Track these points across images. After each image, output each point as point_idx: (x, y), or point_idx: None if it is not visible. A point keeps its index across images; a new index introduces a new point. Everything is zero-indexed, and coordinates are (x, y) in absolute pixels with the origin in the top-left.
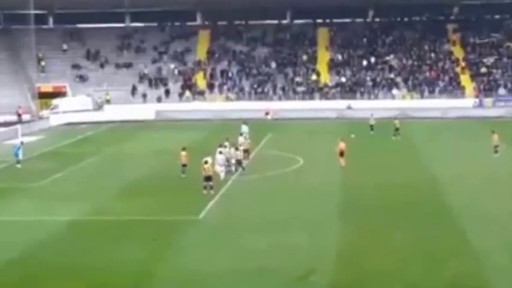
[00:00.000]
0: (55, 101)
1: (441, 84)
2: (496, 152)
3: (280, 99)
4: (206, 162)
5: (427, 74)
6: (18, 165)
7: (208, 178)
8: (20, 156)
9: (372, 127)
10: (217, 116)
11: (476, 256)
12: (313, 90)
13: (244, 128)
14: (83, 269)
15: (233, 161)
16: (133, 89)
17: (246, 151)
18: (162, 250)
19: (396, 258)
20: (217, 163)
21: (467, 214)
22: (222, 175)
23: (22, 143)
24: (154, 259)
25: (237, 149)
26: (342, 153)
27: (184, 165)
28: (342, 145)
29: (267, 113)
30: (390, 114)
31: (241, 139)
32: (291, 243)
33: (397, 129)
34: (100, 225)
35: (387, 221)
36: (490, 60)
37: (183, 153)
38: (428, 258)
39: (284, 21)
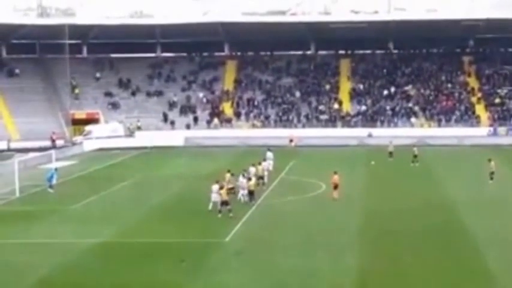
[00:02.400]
0: (88, 127)
1: (457, 113)
2: (491, 178)
3: (303, 126)
4: (222, 188)
5: (444, 103)
6: (51, 190)
7: (224, 203)
8: (54, 181)
9: (391, 154)
10: (243, 143)
11: (492, 277)
12: (336, 119)
13: (269, 155)
14: None
15: (245, 191)
16: (165, 116)
17: (261, 178)
18: (190, 271)
19: (414, 280)
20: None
21: (483, 237)
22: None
23: (56, 169)
24: (182, 280)
25: (249, 179)
26: (336, 186)
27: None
28: (336, 178)
29: (291, 140)
30: (409, 142)
31: (264, 164)
32: (314, 265)
33: (415, 156)
34: (130, 248)
35: (406, 244)
36: (503, 91)
37: (228, 175)
38: (445, 279)
39: (308, 52)
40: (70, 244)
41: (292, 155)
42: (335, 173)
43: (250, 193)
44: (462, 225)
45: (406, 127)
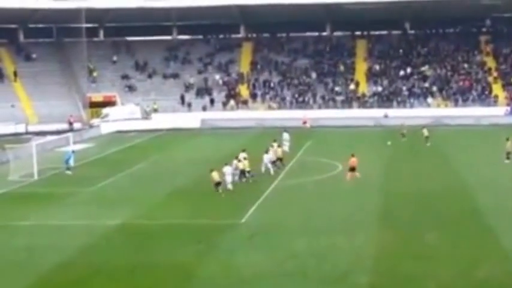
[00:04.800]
0: (105, 110)
1: (474, 93)
2: (508, 158)
3: (319, 108)
4: (212, 171)
5: (461, 83)
6: (69, 172)
7: (217, 184)
8: (72, 164)
9: (403, 135)
10: (259, 124)
11: (507, 257)
12: (352, 99)
13: (286, 136)
14: (130, 271)
15: (236, 172)
16: (182, 98)
17: (280, 159)
18: (205, 253)
19: (430, 261)
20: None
21: (498, 217)
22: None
23: (73, 151)
24: (197, 261)
25: (239, 160)
26: (353, 169)
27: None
28: (354, 160)
29: (304, 122)
30: (426, 122)
31: (272, 149)
32: (330, 246)
33: (426, 137)
34: (147, 229)
35: (422, 225)
36: None
37: (243, 154)
38: (461, 260)
39: (324, 34)
40: (88, 226)
41: (308, 136)
42: (352, 155)
43: (242, 172)
44: (477, 205)
45: (422, 107)
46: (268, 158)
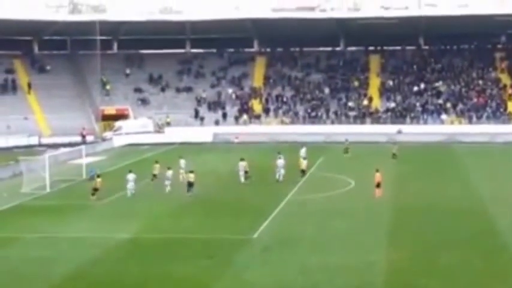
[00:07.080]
0: (118, 123)
1: (489, 110)
2: None
3: (332, 123)
4: (98, 176)
5: (475, 100)
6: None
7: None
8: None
9: (346, 150)
10: (272, 139)
11: None
12: (365, 115)
13: (303, 151)
14: (140, 285)
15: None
16: (196, 112)
17: (303, 171)
18: (217, 268)
19: (443, 277)
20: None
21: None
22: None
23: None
24: (210, 276)
25: (191, 172)
26: (378, 185)
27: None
28: (379, 176)
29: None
30: (439, 139)
31: (280, 162)
32: (342, 261)
33: (346, 151)
34: (158, 243)
35: (434, 241)
36: None
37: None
38: (475, 277)
39: (337, 48)
40: (99, 239)
41: (322, 152)
42: (377, 170)
43: (190, 185)
44: (491, 222)
45: (436, 124)
46: (242, 165)
